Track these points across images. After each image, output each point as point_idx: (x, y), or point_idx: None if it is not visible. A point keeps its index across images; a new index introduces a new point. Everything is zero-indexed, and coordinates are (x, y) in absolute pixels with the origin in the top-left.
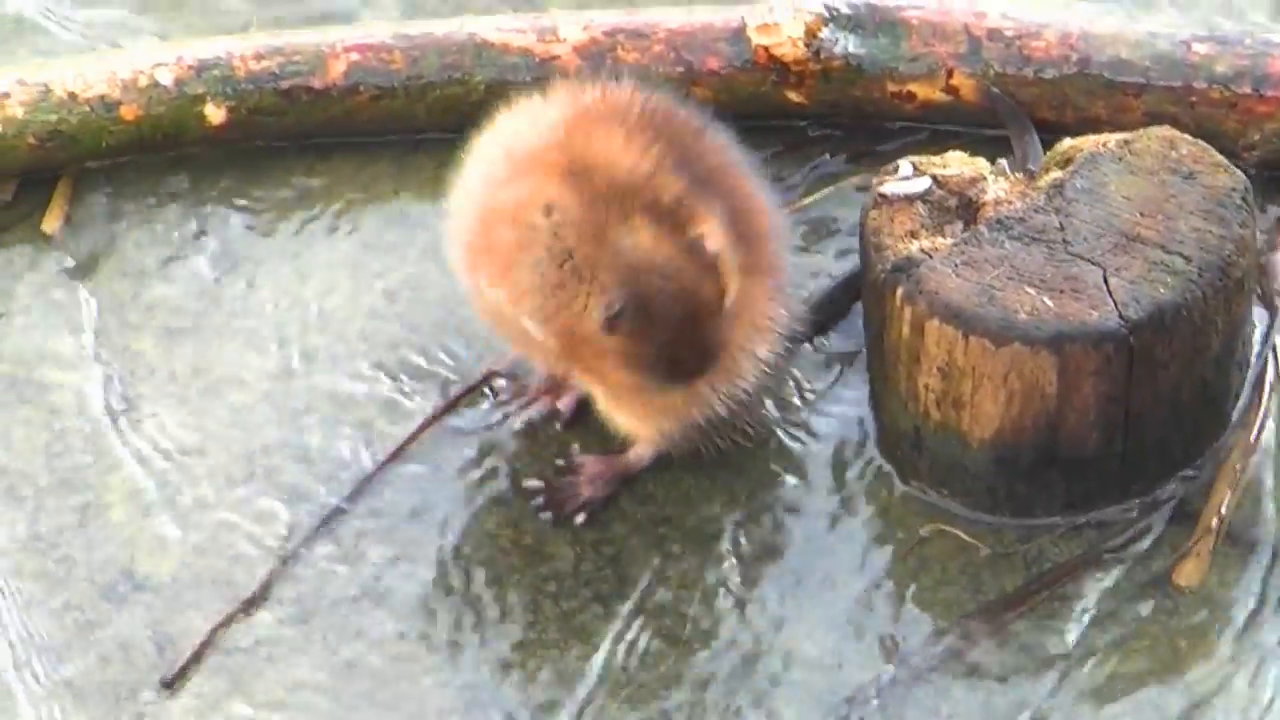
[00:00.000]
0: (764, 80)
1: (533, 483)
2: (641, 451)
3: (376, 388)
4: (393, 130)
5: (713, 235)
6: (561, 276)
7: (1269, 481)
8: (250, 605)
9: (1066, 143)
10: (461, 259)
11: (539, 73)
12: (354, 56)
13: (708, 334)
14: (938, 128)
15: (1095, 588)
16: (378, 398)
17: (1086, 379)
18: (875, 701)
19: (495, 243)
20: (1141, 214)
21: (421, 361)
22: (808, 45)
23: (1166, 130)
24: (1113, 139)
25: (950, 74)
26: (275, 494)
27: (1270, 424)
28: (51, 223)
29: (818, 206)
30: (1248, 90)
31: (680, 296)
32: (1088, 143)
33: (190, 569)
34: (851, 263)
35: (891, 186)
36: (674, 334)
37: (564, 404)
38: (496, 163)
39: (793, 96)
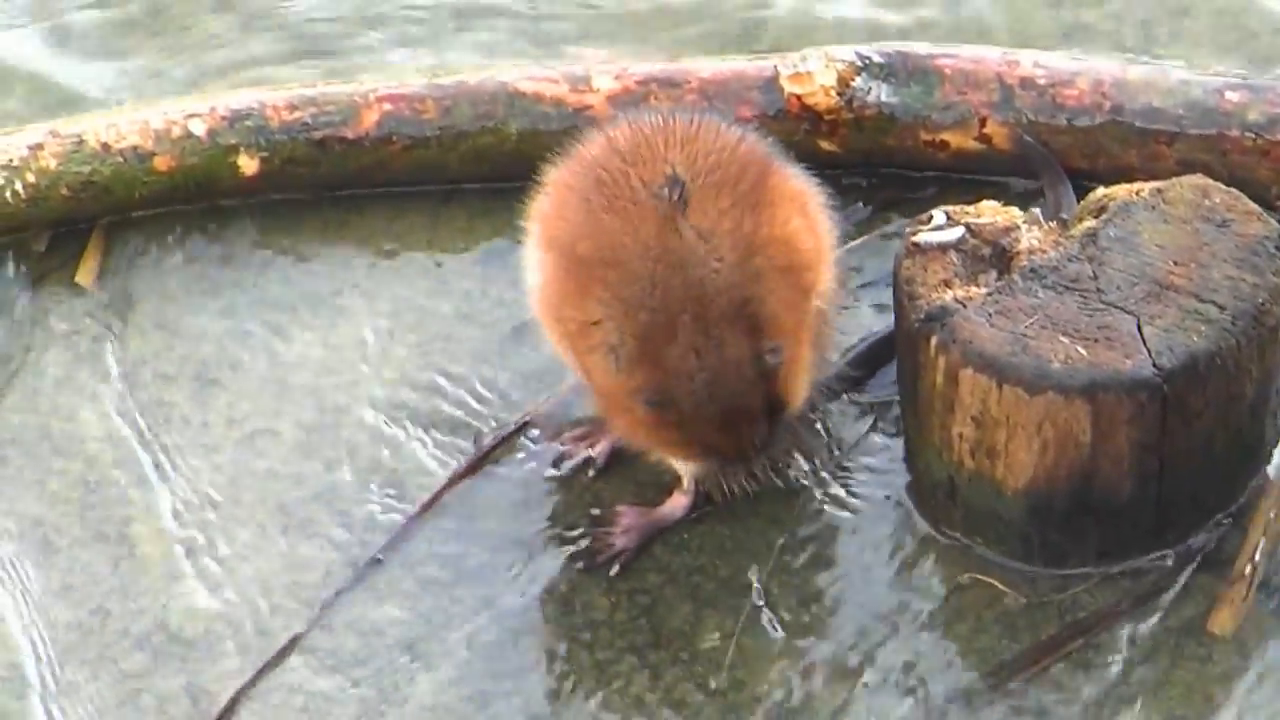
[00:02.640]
0: (797, 129)
1: (567, 532)
2: (676, 503)
3: (410, 438)
4: (425, 180)
5: (785, 349)
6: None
7: None
8: (284, 656)
9: (1099, 191)
10: None
11: (571, 122)
12: (387, 106)
13: (746, 438)
14: (971, 176)
15: (1129, 636)
16: (411, 448)
17: (1120, 428)
18: None
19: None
20: (1175, 262)
21: (455, 412)
22: (840, 94)
23: (1199, 179)
24: (1146, 188)
25: (983, 123)
26: (310, 545)
27: None
28: (85, 273)
29: (850, 256)
30: None
31: (713, 404)
32: (1121, 191)
33: (225, 620)
34: (887, 317)
35: (925, 236)
36: (710, 434)
37: (598, 452)
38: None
39: (825, 145)
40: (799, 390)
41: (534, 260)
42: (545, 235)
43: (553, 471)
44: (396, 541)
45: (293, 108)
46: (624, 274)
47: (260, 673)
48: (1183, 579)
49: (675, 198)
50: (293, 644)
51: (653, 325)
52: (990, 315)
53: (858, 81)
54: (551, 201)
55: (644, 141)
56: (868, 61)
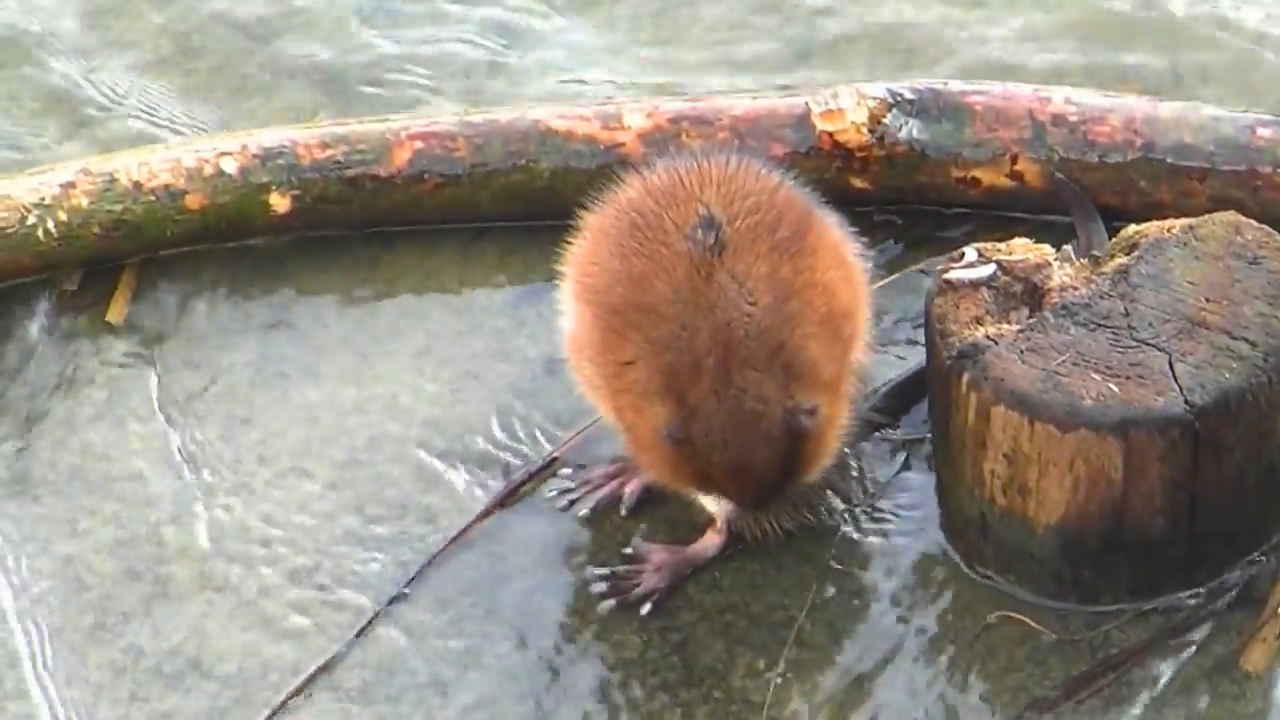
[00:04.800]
0: (828, 166)
1: (598, 570)
2: (709, 541)
3: (441, 475)
4: (457, 218)
5: (821, 410)
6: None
7: None
8: (313, 689)
9: (1131, 228)
10: None
11: (603, 160)
12: (418, 144)
13: (758, 489)
14: (1002, 213)
15: (1162, 673)
16: (443, 485)
17: (1152, 464)
18: None
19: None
20: (1206, 299)
21: (487, 449)
22: (872, 131)
23: (1231, 215)
24: (1177, 224)
25: (1014, 159)
26: (341, 582)
27: None
28: (116, 312)
29: (882, 293)
30: None
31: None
32: (1152, 228)
33: (257, 657)
34: (918, 353)
35: (957, 273)
36: (722, 479)
37: (629, 491)
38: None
39: (857, 182)
40: (829, 450)
41: (569, 309)
42: (580, 284)
43: (584, 510)
44: (425, 575)
45: (324, 146)
46: (654, 316)
47: (284, 703)
48: (1216, 617)
49: (710, 241)
50: (319, 673)
51: (677, 365)
52: (1022, 352)
53: (889, 118)
54: (586, 247)
55: (679, 183)
56: (899, 98)
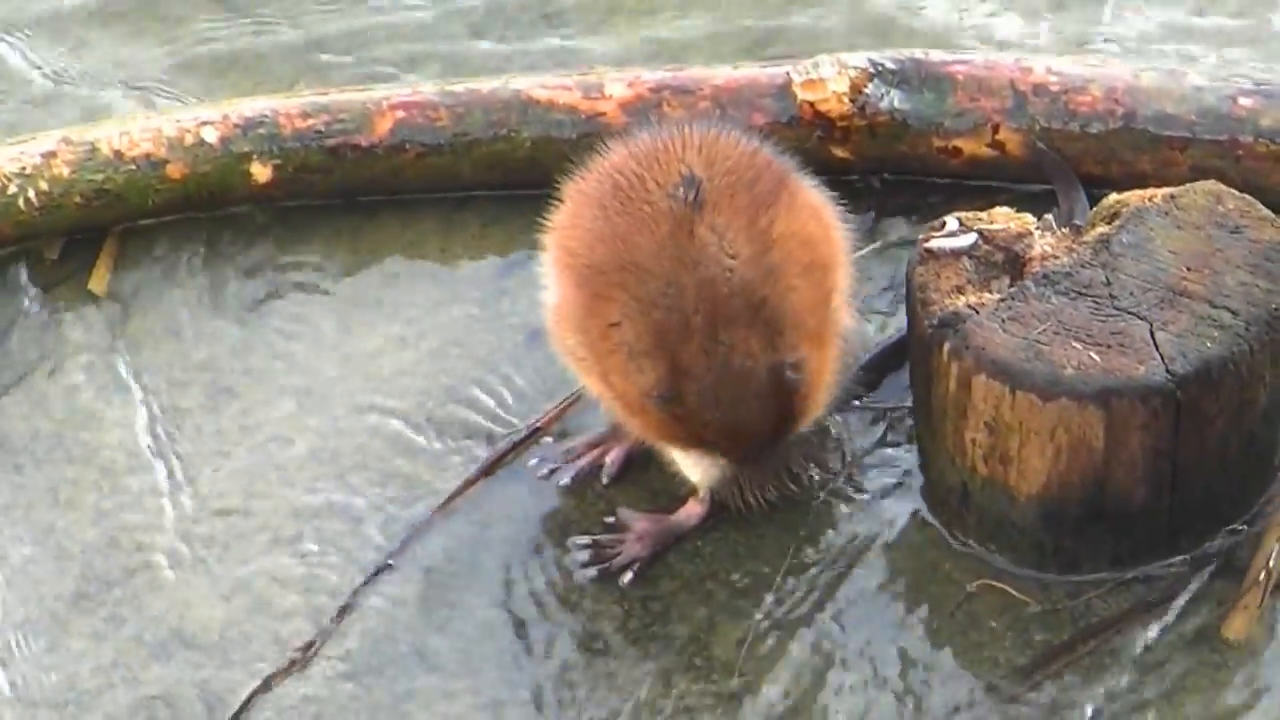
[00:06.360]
0: (809, 136)
1: (580, 540)
2: (691, 511)
3: (423, 444)
4: (439, 187)
5: (807, 362)
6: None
7: None
8: (298, 662)
9: (1113, 197)
10: None
11: (584, 129)
12: (400, 114)
13: (753, 444)
14: (984, 183)
15: (1143, 642)
16: (425, 454)
17: (1133, 433)
18: None
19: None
20: (1188, 268)
21: (468, 417)
22: (853, 101)
23: (1212, 185)
24: (1159, 194)
25: (996, 129)
26: (323, 551)
27: None
28: (98, 281)
29: (863, 262)
30: None
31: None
32: (1134, 197)
33: (238, 626)
34: (899, 323)
35: (938, 242)
36: (717, 437)
37: (610, 459)
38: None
39: (838, 152)
40: (819, 402)
41: (551, 281)
42: (561, 250)
43: (565, 479)
44: (409, 546)
45: (306, 115)
46: (639, 274)
47: (273, 678)
48: (1196, 585)
49: (690, 197)
50: (306, 650)
51: (665, 324)
52: (1003, 321)
53: (870, 88)
54: (567, 212)
55: (661, 147)
56: (880, 68)
